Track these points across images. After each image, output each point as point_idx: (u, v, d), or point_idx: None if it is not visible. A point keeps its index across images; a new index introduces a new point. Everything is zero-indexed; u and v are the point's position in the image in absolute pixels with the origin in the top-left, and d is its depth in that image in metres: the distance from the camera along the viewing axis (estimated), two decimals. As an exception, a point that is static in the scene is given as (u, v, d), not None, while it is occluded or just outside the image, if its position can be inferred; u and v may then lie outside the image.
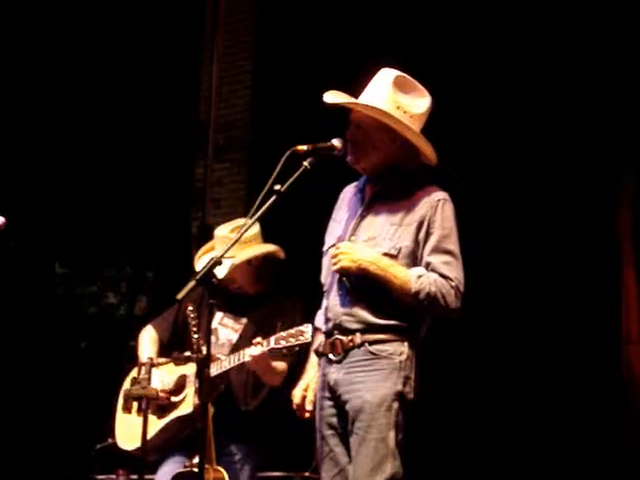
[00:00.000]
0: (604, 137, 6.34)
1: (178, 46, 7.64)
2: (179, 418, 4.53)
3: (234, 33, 7.88)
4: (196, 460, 4.16)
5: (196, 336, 4.28)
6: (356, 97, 3.85)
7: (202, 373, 3.63)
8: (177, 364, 4.39)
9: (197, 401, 4.31)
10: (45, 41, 7.37)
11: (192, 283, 3.53)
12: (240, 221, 4.85)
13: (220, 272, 4.46)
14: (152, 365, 4.25)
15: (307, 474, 5.56)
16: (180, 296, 3.52)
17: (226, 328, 4.75)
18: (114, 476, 5.73)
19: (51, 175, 7.30)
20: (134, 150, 7.29)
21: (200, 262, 4.85)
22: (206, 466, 4.08)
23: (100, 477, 5.88)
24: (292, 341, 4.15)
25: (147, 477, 5.34)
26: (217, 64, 7.78)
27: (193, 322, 4.37)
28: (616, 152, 6.38)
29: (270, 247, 4.83)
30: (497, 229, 6.38)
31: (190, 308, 4.44)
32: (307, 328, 4.09)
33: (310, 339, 4.06)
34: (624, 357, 6.38)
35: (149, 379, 4.25)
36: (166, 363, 4.43)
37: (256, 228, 4.76)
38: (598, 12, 6.24)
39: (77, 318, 6.09)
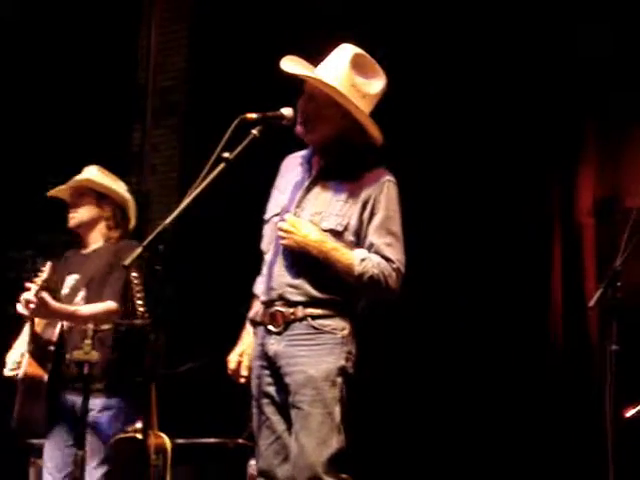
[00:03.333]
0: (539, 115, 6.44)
1: (117, 10, 7.53)
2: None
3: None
4: (138, 425, 4.19)
5: (140, 302, 4.29)
6: (314, 65, 3.86)
7: (147, 340, 3.62)
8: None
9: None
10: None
11: (139, 250, 3.52)
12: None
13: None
14: (94, 330, 4.24)
15: (240, 440, 5.60)
16: (127, 262, 3.52)
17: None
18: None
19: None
20: (71, 112, 7.19)
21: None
22: (148, 431, 4.09)
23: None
24: None
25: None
26: (155, 28, 7.72)
27: (137, 288, 4.38)
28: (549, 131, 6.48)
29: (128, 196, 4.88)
30: (435, 204, 6.46)
31: (134, 274, 4.44)
32: None
33: None
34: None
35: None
36: (109, 330, 4.44)
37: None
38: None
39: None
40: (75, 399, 4.51)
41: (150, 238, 3.54)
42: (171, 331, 6.95)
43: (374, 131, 3.81)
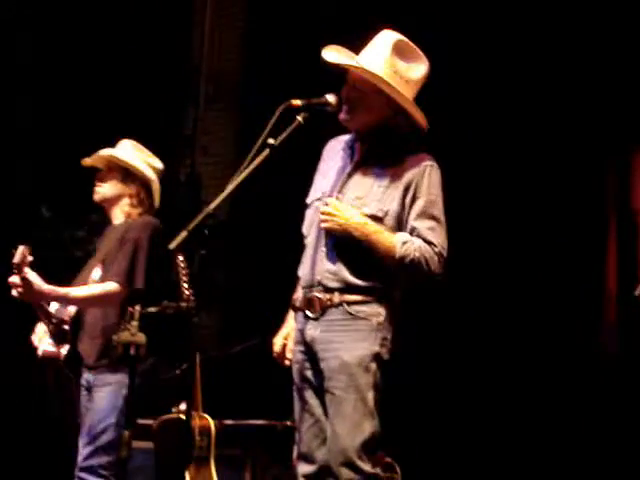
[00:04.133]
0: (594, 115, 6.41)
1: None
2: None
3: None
4: (183, 406, 4.24)
5: (186, 286, 4.31)
6: (355, 52, 3.86)
7: (190, 323, 3.66)
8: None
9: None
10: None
11: (184, 234, 3.56)
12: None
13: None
14: (141, 312, 4.27)
15: (289, 423, 5.64)
16: (173, 246, 3.55)
17: None
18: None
19: (41, 121, 7.28)
20: (127, 94, 7.25)
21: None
22: (193, 413, 4.13)
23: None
24: None
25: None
26: (210, 11, 7.75)
27: (183, 272, 4.40)
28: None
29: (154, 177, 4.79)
30: (482, 194, 6.44)
31: (180, 258, 4.46)
32: None
33: None
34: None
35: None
36: (156, 312, 4.46)
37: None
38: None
39: (65, 261, 6.09)
40: (87, 376, 4.54)
41: (195, 222, 3.58)
42: (223, 314, 7.09)
43: (419, 117, 3.80)
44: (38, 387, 4.66)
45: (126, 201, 4.71)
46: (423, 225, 3.74)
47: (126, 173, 4.70)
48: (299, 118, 3.73)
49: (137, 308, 4.20)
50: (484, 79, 6.49)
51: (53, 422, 4.72)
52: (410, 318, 3.93)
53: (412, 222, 3.75)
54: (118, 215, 4.73)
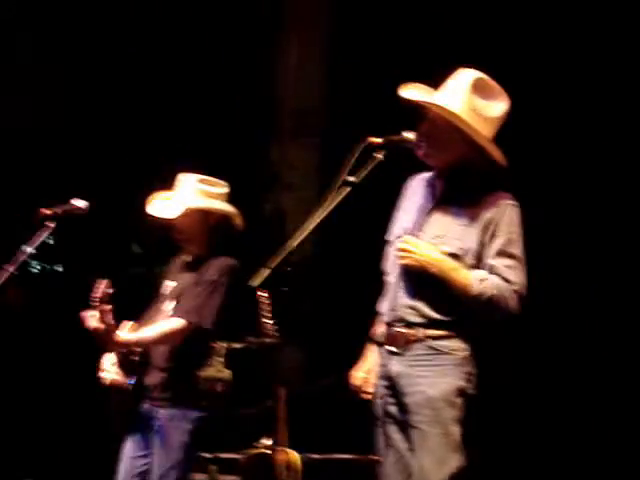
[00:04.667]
0: None
1: (257, 27, 7.70)
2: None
3: (312, 13, 7.92)
4: (268, 442, 4.28)
5: (269, 322, 4.36)
6: (434, 88, 3.89)
7: (272, 358, 3.71)
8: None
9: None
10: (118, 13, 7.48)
11: (267, 271, 3.62)
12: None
13: (174, 211, 4.64)
14: (227, 348, 4.36)
15: (374, 457, 5.64)
16: (255, 284, 3.62)
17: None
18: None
19: (129, 156, 7.43)
20: (211, 128, 7.37)
21: (150, 205, 4.79)
22: (279, 448, 4.17)
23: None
24: None
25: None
26: (294, 46, 7.83)
27: (267, 308, 4.45)
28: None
29: (232, 209, 4.77)
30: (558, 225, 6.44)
31: (264, 295, 4.51)
32: None
33: None
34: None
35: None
36: (242, 348, 4.54)
37: (225, 189, 4.77)
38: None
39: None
40: (149, 408, 4.58)
41: (277, 260, 3.64)
42: (308, 348, 7.14)
43: (496, 154, 3.80)
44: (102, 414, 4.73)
45: (205, 237, 4.73)
46: (502, 263, 3.74)
47: (205, 213, 4.72)
48: (379, 155, 3.78)
49: (222, 344, 4.30)
50: (561, 109, 6.50)
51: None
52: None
53: (490, 260, 3.76)
54: (195, 251, 4.76)
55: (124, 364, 4.56)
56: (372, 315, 4.04)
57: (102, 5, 7.43)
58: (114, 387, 4.57)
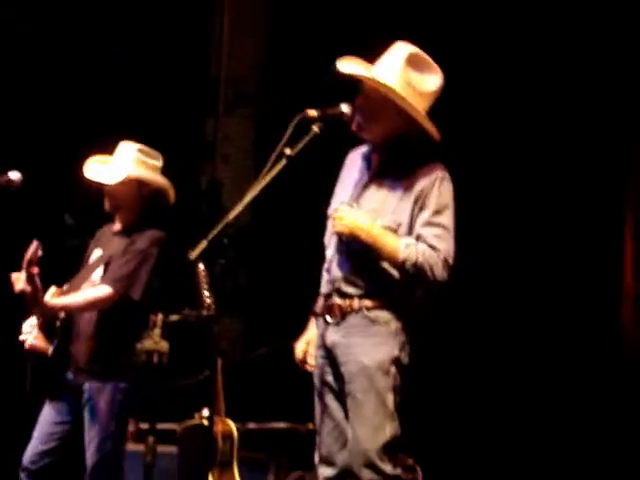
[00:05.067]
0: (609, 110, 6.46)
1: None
2: None
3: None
4: (205, 412, 4.31)
5: (207, 294, 4.39)
6: (370, 62, 3.92)
7: (211, 330, 3.74)
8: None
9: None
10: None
11: (204, 243, 3.65)
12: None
13: (113, 177, 4.65)
14: (164, 320, 4.36)
15: (311, 426, 5.70)
16: (193, 256, 3.65)
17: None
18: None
19: (62, 129, 7.37)
20: (145, 101, 7.33)
21: (87, 167, 4.78)
22: (216, 418, 4.20)
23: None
24: None
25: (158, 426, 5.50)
26: (228, 18, 7.81)
27: (204, 280, 4.48)
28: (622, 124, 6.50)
29: (167, 182, 4.80)
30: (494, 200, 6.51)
31: (201, 267, 4.54)
32: None
33: None
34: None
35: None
36: (178, 320, 4.54)
37: (161, 161, 4.81)
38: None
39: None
40: (76, 378, 4.59)
41: (214, 233, 3.67)
42: (245, 319, 7.17)
43: (430, 128, 3.84)
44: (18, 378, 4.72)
45: (137, 208, 4.75)
46: (429, 232, 3.79)
47: (140, 183, 4.75)
48: (315, 128, 3.81)
49: (159, 316, 4.31)
50: (498, 86, 6.55)
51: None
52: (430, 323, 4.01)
53: (418, 230, 3.81)
54: (125, 220, 4.78)
55: (45, 328, 4.56)
56: (309, 287, 4.09)
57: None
58: (32, 351, 4.57)
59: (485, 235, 6.08)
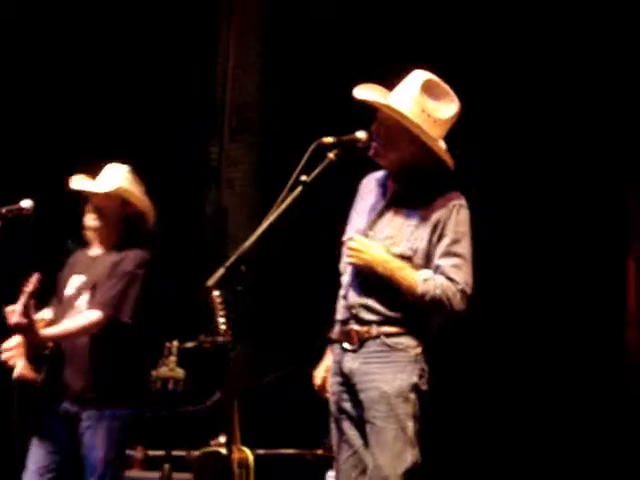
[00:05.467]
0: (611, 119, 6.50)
1: (196, 28, 7.69)
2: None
3: (247, 15, 7.93)
4: (222, 439, 4.30)
5: (222, 320, 4.37)
6: (389, 89, 3.94)
7: (228, 357, 3.73)
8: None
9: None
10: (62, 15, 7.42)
11: (221, 270, 3.65)
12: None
13: (102, 187, 4.63)
14: (179, 347, 4.36)
15: (319, 452, 5.69)
16: (211, 283, 3.64)
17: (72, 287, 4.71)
18: (132, 451, 5.87)
19: (63, 155, 7.37)
20: (152, 127, 7.35)
21: (73, 180, 4.75)
22: (232, 446, 4.19)
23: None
24: None
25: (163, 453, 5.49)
26: (232, 46, 7.82)
27: (220, 307, 4.46)
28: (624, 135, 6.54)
29: (149, 205, 4.75)
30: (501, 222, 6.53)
31: (216, 293, 4.52)
32: None
33: None
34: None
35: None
36: (193, 347, 4.54)
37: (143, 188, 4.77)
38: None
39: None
40: (72, 407, 4.53)
41: (232, 260, 3.66)
42: (255, 343, 7.15)
43: (444, 156, 3.86)
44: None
45: (118, 227, 4.70)
46: (447, 263, 3.80)
47: (125, 202, 4.70)
48: (330, 155, 3.81)
49: (174, 343, 4.31)
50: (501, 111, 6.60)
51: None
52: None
53: (436, 260, 3.82)
54: (105, 242, 4.72)
55: (33, 358, 4.50)
56: (324, 313, 4.09)
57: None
58: (21, 381, 4.50)
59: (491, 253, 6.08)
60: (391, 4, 7.06)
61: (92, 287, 4.61)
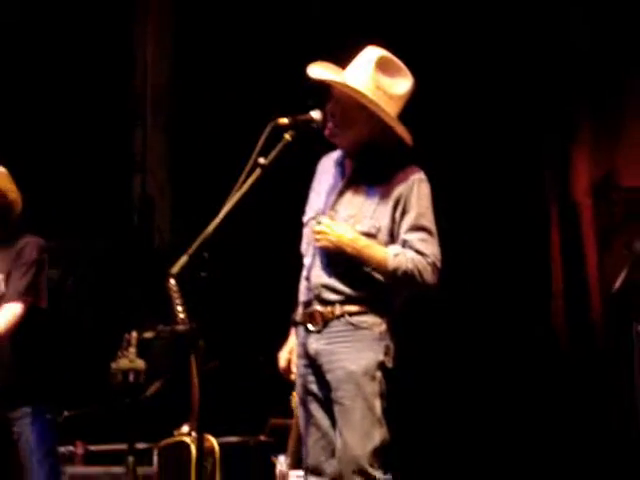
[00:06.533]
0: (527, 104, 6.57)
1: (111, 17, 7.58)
2: None
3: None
4: (184, 429, 4.25)
5: (180, 309, 4.33)
6: (342, 67, 3.91)
7: (196, 344, 3.68)
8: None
9: None
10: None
11: (185, 258, 3.58)
12: None
13: None
14: (139, 339, 4.29)
15: (262, 438, 5.67)
16: (174, 271, 3.58)
17: None
18: (72, 447, 5.79)
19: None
20: (73, 119, 7.22)
21: None
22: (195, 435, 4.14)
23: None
24: None
25: (106, 448, 5.42)
26: (151, 30, 7.75)
27: (176, 295, 4.41)
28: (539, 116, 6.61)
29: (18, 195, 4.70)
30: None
31: (172, 282, 4.47)
32: None
33: None
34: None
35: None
36: (152, 336, 4.48)
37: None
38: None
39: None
40: (6, 409, 4.49)
41: (194, 246, 3.61)
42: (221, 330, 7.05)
43: (402, 132, 3.85)
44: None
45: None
46: (414, 237, 3.81)
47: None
48: (287, 136, 3.77)
49: (134, 334, 4.23)
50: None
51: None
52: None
53: (403, 235, 3.82)
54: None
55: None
56: (284, 295, 4.06)
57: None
58: None
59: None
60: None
61: (5, 279, 4.54)
